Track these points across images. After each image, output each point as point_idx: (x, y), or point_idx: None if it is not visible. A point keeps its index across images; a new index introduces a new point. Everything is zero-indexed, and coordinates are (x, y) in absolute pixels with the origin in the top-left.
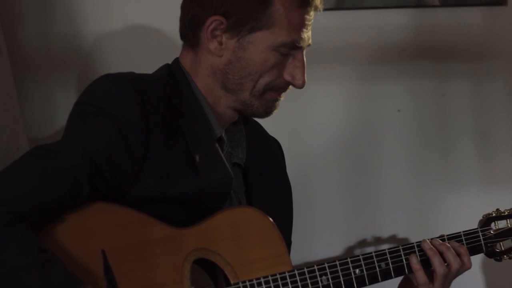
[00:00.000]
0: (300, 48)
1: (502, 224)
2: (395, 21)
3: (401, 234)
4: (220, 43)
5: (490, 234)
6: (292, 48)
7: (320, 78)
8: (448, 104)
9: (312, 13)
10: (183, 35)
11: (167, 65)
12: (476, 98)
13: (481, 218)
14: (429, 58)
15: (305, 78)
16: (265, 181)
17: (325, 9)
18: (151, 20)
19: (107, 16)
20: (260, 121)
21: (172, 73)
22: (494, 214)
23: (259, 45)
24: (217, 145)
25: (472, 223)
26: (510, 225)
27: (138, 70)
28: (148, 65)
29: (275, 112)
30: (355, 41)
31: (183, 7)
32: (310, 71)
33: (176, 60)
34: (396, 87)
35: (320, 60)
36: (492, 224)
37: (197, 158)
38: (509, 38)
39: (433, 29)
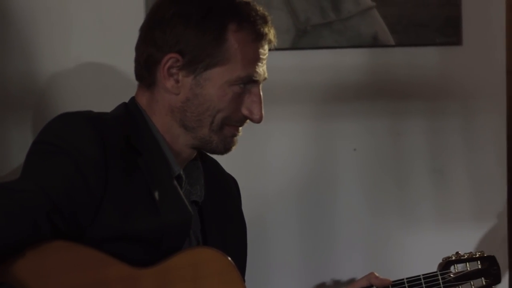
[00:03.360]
0: (256, 82)
1: (461, 267)
2: (350, 61)
3: (359, 274)
4: (177, 81)
5: (450, 278)
6: (248, 82)
7: (277, 117)
8: (403, 143)
9: (266, 47)
10: (138, 75)
11: (124, 103)
12: (432, 137)
13: (440, 261)
14: (385, 97)
15: (262, 112)
16: (221, 219)
17: (281, 49)
18: (107, 58)
19: (64, 54)
20: (217, 159)
21: (130, 111)
22: (453, 258)
23: (216, 81)
24: (176, 183)
25: (429, 261)
26: (470, 268)
27: (95, 109)
28: (104, 104)
29: (234, 148)
30: (311, 81)
31: (138, 48)
32: (267, 110)
33: (133, 99)
34: (352, 126)
35: (276, 99)
36: (452, 267)
37: (157, 196)
38: (464, 77)
39: (388, 69)
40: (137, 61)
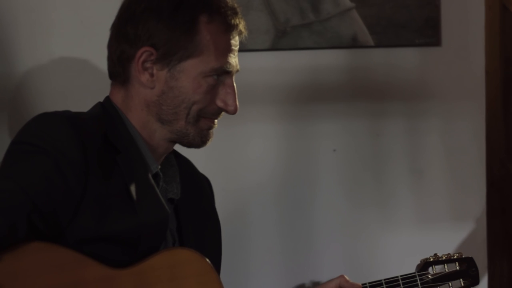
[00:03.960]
0: (229, 73)
1: (439, 269)
2: (330, 62)
3: (337, 274)
4: (152, 75)
5: (428, 279)
6: (221, 73)
7: (256, 118)
8: (383, 144)
9: (237, 38)
10: (112, 73)
11: (99, 103)
12: (411, 137)
13: (418, 262)
14: (364, 98)
15: (237, 103)
16: (196, 217)
17: (261, 50)
18: (87, 58)
19: (42, 54)
20: (195, 159)
21: (106, 110)
22: (431, 259)
23: (190, 73)
24: (153, 181)
25: (407, 261)
26: (448, 270)
27: (74, 108)
28: (84, 103)
29: (210, 141)
30: (290, 81)
31: (110, 45)
32: (247, 111)
33: (107, 98)
34: (332, 126)
35: (256, 100)
36: (430, 269)
37: (134, 195)
38: (443, 78)
39: (368, 69)
40: (110, 58)
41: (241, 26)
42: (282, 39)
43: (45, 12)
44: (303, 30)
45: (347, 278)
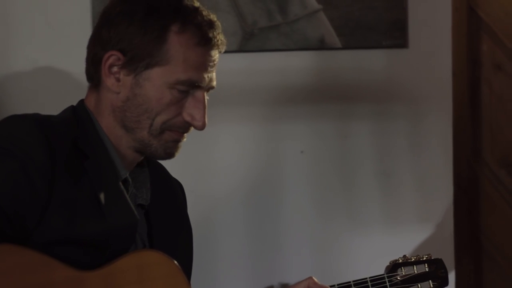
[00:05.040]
0: (200, 88)
1: (408, 270)
2: (297, 64)
3: (305, 275)
4: (118, 80)
5: (397, 280)
6: (190, 87)
7: (224, 120)
8: (350, 145)
9: (214, 53)
10: (87, 75)
11: (71, 106)
12: (378, 139)
13: (387, 263)
14: (332, 99)
15: (206, 119)
16: (167, 222)
17: (228, 52)
18: (55, 60)
19: (11, 57)
20: (164, 161)
21: (77, 114)
22: (400, 260)
23: (155, 81)
24: (122, 186)
25: (376, 263)
26: (417, 271)
27: (44, 111)
28: (53, 106)
29: (177, 154)
30: (258, 83)
31: (87, 47)
32: (215, 113)
33: (81, 101)
34: (299, 128)
35: (224, 102)
36: (399, 270)
37: (103, 200)
38: (410, 80)
39: (335, 71)
40: (86, 60)
41: (218, 40)
42: (249, 41)
43: (12, 14)
44: (271, 32)
45: (315, 279)
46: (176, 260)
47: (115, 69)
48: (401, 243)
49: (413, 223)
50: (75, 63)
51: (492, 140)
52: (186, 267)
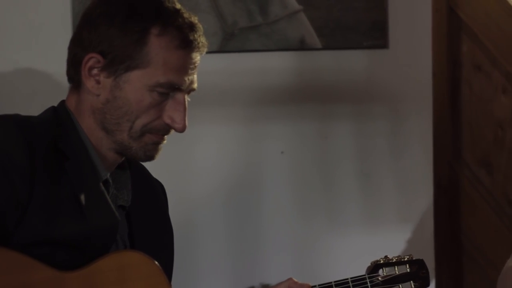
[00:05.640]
0: (181, 91)
1: (390, 271)
2: (278, 64)
3: (286, 276)
4: (98, 82)
5: (378, 281)
6: (170, 89)
7: (205, 120)
8: (331, 146)
9: (195, 55)
10: (68, 76)
11: (52, 107)
12: (359, 140)
13: (369, 264)
14: (312, 100)
15: (186, 122)
16: (148, 223)
17: (209, 52)
18: (36, 61)
19: None
20: (145, 163)
21: (58, 115)
22: (382, 261)
23: (135, 84)
24: (103, 187)
25: (357, 263)
26: (398, 272)
27: (23, 112)
28: (32, 107)
29: (157, 156)
30: (238, 84)
31: (68, 48)
32: (195, 114)
33: (62, 102)
34: (280, 129)
35: (204, 102)
36: (380, 271)
37: (83, 201)
38: (391, 80)
39: (315, 72)
40: (67, 61)
41: (199, 43)
42: (230, 42)
43: None
44: (251, 32)
45: (295, 280)
46: (157, 261)
47: (95, 71)
48: (381, 243)
49: (393, 223)
50: (56, 64)
51: (472, 140)
52: (167, 268)
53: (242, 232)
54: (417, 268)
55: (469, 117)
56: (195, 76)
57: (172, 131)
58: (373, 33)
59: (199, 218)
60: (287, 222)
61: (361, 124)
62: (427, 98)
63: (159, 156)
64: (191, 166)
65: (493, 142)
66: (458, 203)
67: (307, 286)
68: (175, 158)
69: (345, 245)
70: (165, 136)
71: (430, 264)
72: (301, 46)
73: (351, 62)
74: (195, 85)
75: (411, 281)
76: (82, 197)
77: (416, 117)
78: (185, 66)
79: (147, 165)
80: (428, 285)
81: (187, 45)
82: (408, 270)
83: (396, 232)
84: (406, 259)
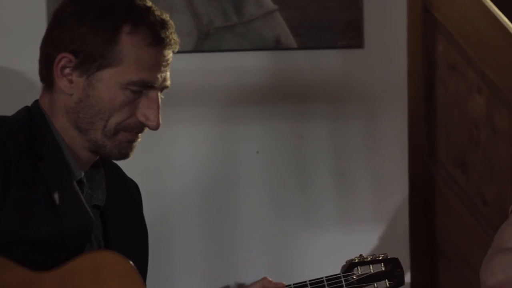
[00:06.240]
0: (154, 88)
1: (365, 269)
2: (253, 64)
3: (261, 274)
4: (70, 81)
5: (353, 280)
6: (143, 87)
7: (180, 120)
8: (306, 145)
9: (167, 52)
10: (40, 76)
11: (26, 107)
12: (334, 139)
13: (344, 263)
14: (288, 100)
15: (160, 119)
16: (123, 223)
17: (184, 52)
18: (10, 61)
19: None
20: (119, 162)
21: (32, 115)
22: (357, 260)
23: (107, 82)
24: (77, 187)
25: (332, 262)
26: (373, 270)
27: None
28: (7, 107)
29: (132, 154)
30: (214, 83)
31: (40, 48)
32: (170, 113)
33: (36, 102)
34: (255, 128)
35: (179, 102)
36: (355, 270)
37: (57, 201)
38: (366, 80)
39: (291, 71)
40: (39, 61)
41: (171, 40)
42: (205, 41)
43: None
44: (226, 32)
45: (269, 279)
46: (132, 260)
47: (67, 70)
48: (357, 242)
49: (368, 223)
50: (30, 63)
51: (447, 140)
52: (142, 267)
53: (217, 231)
54: (392, 267)
55: (444, 116)
56: (168, 73)
57: (146, 129)
58: (348, 33)
59: (174, 217)
60: (262, 221)
61: (336, 124)
62: (402, 98)
63: (133, 155)
64: (166, 165)
65: (468, 142)
66: (433, 203)
67: (281, 285)
68: (150, 158)
69: (320, 244)
70: (139, 134)
71: (405, 263)
72: (277, 45)
73: (327, 62)
74: (168, 82)
75: (386, 280)
76: (56, 197)
77: (391, 117)
78: (158, 64)
79: (121, 164)
80: (403, 283)
81: (159, 43)
82: (383, 268)
83: (371, 231)
84: (381, 257)
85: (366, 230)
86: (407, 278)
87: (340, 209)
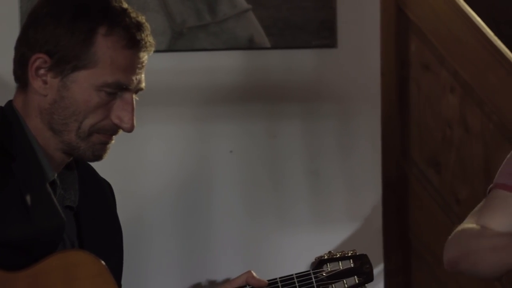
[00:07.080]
0: (128, 90)
1: (334, 266)
2: (226, 63)
3: (234, 274)
4: (45, 82)
5: (323, 276)
6: (118, 89)
7: (153, 120)
8: (280, 145)
9: (142, 55)
10: (14, 76)
11: None
12: (307, 139)
13: (313, 260)
14: (261, 99)
15: (134, 121)
16: (97, 223)
17: (157, 51)
18: None
19: None
20: (93, 162)
21: (4, 115)
22: (326, 257)
23: (82, 84)
24: (49, 188)
25: (305, 261)
26: (342, 267)
27: None
28: None
29: (105, 156)
30: (187, 83)
31: (15, 47)
32: (143, 113)
33: (9, 102)
34: (228, 128)
35: (153, 102)
36: (325, 266)
37: (29, 202)
38: (339, 80)
39: (264, 71)
40: (14, 60)
41: (146, 42)
42: (178, 41)
43: None
44: (200, 31)
45: (254, 274)
46: (107, 260)
47: (42, 71)
48: (330, 242)
49: (342, 222)
50: (3, 63)
51: (420, 139)
52: (117, 267)
53: (190, 230)
54: (361, 263)
55: (417, 116)
56: (143, 75)
57: (121, 131)
58: (321, 32)
59: (147, 216)
60: (235, 221)
61: (309, 123)
62: (375, 97)
63: (107, 156)
64: (139, 165)
65: (441, 142)
66: (406, 202)
67: (264, 282)
68: (123, 157)
69: (294, 243)
70: (113, 136)
71: (379, 261)
72: (250, 45)
73: (300, 62)
74: (143, 85)
75: (355, 276)
76: (28, 198)
77: (364, 116)
78: (133, 66)
79: (94, 164)
80: (372, 279)
81: (134, 45)
82: (352, 265)
83: (345, 230)
84: (350, 254)
85: (340, 229)
86: (381, 276)
87: (314, 208)
